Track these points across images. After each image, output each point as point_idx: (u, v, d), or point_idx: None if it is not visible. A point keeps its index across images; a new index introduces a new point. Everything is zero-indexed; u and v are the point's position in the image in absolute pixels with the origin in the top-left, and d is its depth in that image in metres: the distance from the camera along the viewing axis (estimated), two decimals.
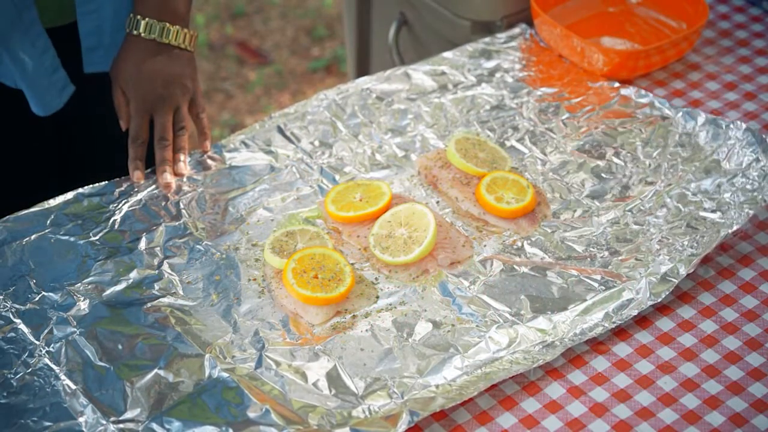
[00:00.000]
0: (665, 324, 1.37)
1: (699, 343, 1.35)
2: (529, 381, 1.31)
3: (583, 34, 1.74)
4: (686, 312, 1.39)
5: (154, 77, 1.58)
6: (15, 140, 1.73)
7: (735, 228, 1.44)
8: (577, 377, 1.31)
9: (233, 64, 3.53)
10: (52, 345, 1.33)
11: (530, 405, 1.28)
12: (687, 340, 1.35)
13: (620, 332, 1.36)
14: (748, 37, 1.85)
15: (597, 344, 1.35)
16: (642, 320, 1.37)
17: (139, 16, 1.59)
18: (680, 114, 1.62)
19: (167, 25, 1.59)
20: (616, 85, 1.70)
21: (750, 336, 1.36)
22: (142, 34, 1.59)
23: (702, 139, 1.58)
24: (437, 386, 1.28)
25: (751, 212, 1.45)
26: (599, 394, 1.29)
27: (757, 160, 1.52)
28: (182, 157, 1.59)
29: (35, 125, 1.71)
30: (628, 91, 1.68)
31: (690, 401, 1.28)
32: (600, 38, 1.80)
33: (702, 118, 1.60)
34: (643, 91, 1.68)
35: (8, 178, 1.75)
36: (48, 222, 1.49)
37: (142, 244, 1.46)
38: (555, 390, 1.30)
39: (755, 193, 1.48)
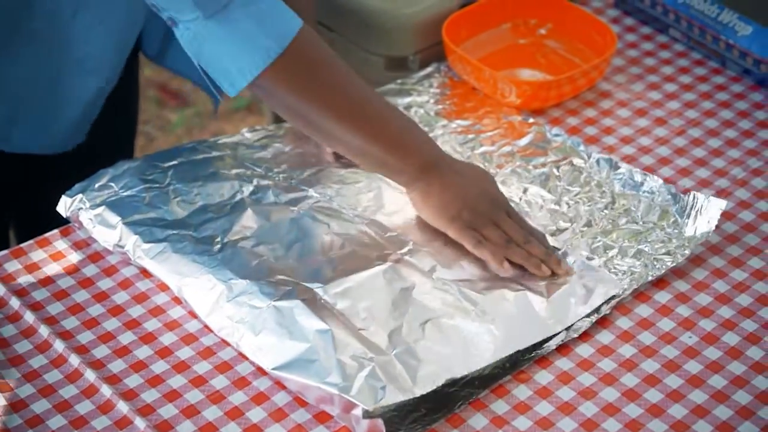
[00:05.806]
0: (605, 337, 1.41)
1: (639, 353, 1.39)
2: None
3: (495, 67, 1.76)
4: (624, 323, 1.42)
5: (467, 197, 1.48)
6: None
7: (651, 279, 1.45)
8: (523, 392, 1.34)
9: (153, 107, 3.51)
10: None
11: (499, 407, 1.32)
12: (627, 351, 1.39)
13: (561, 347, 1.39)
14: (656, 64, 1.88)
15: (538, 360, 1.38)
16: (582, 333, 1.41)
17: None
18: (594, 159, 1.61)
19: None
20: (531, 120, 1.71)
21: (687, 345, 1.40)
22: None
23: (617, 188, 1.57)
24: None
25: (669, 265, 1.46)
26: (544, 408, 1.32)
27: (673, 215, 1.52)
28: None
29: None
30: (543, 128, 1.69)
31: (632, 411, 1.32)
32: (513, 70, 1.82)
33: (617, 165, 1.59)
34: (556, 130, 1.68)
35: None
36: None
37: None
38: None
39: (671, 246, 1.48)
